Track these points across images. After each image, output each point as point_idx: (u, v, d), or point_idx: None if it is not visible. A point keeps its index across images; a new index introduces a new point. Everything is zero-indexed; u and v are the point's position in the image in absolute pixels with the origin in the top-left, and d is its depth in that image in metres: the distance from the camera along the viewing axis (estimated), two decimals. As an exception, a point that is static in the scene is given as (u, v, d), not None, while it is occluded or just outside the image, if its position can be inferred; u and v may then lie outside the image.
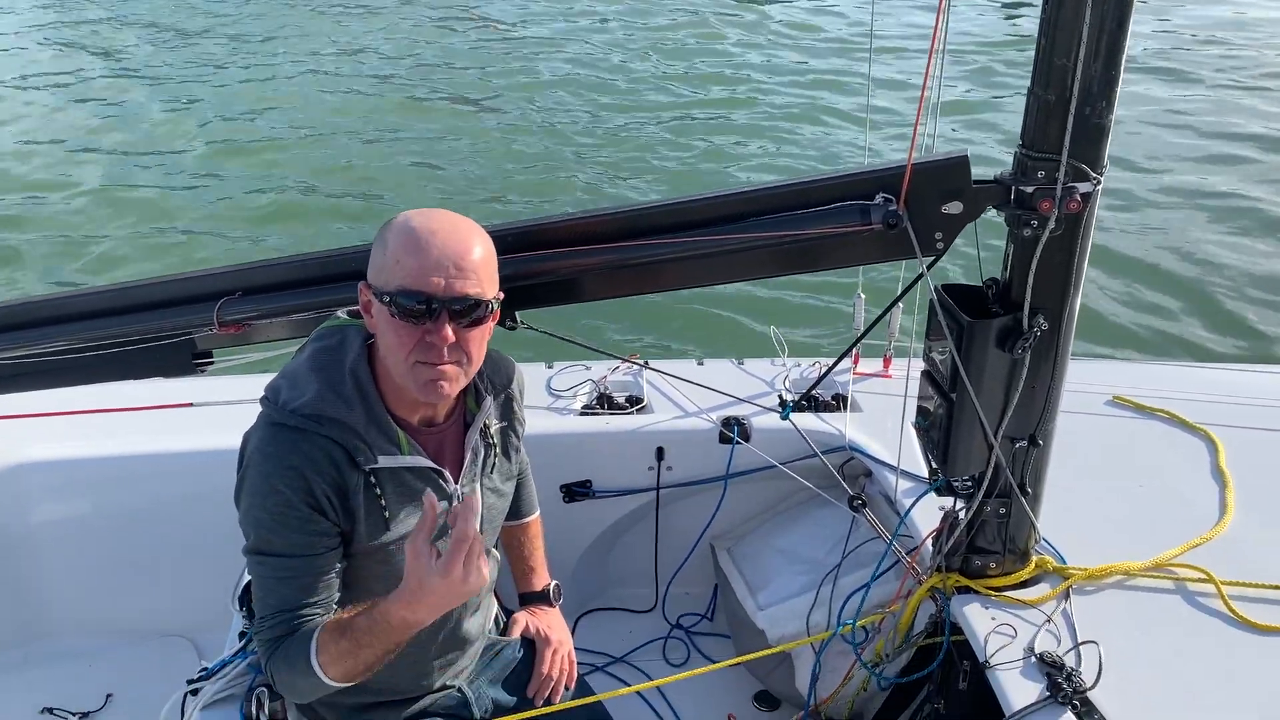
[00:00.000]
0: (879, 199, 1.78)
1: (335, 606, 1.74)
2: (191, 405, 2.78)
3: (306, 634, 1.69)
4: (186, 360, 2.26)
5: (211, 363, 2.32)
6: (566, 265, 2.00)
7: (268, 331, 2.19)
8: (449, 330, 1.65)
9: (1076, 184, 1.70)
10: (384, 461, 1.73)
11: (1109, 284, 6.01)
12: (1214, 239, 6.74)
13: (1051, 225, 1.72)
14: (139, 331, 2.20)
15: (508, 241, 1.97)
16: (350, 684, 1.69)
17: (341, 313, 1.87)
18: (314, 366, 1.75)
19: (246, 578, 2.09)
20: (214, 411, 2.73)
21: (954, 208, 1.78)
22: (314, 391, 1.70)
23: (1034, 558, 2.10)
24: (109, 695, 2.60)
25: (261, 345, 2.30)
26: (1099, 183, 1.71)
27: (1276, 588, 2.05)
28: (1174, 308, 5.94)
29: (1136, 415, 2.72)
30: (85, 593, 2.79)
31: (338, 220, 7.30)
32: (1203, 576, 2.08)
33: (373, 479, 1.73)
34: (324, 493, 1.68)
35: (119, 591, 2.78)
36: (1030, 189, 1.71)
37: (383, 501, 1.75)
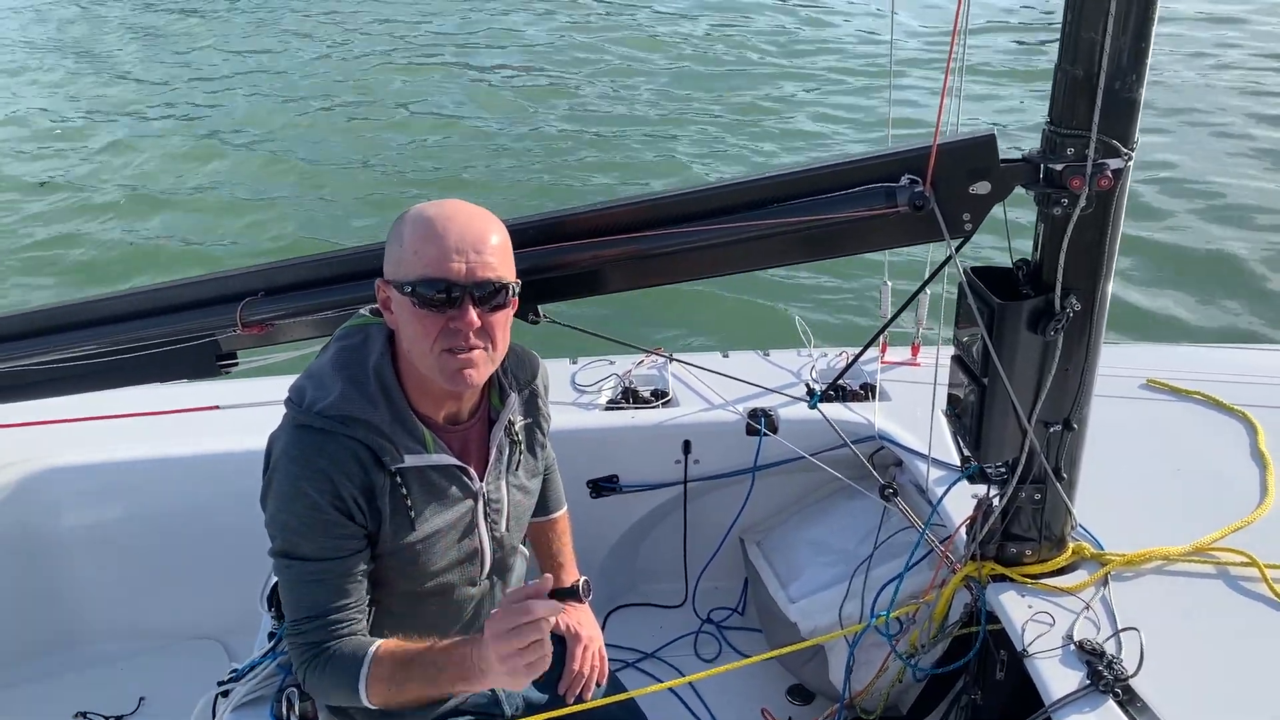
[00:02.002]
0: (905, 181, 1.75)
1: (365, 608, 1.73)
2: (218, 408, 2.79)
3: (356, 652, 1.68)
4: (211, 362, 2.27)
5: (236, 364, 2.32)
6: (588, 257, 1.98)
7: (291, 331, 2.19)
8: (474, 315, 1.64)
9: (1107, 160, 1.66)
10: (410, 461, 1.72)
11: (1135, 267, 5.93)
12: (1245, 217, 6.66)
13: (1082, 203, 1.68)
14: (163, 334, 2.21)
15: (529, 234, 1.95)
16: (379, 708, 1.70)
17: (364, 310, 1.86)
18: (337, 366, 1.74)
19: (275, 579, 2.09)
20: (240, 414, 2.74)
21: (982, 188, 1.75)
22: (339, 392, 1.69)
23: (1070, 544, 2.06)
24: (141, 699, 2.61)
25: (285, 346, 2.30)
26: (1130, 158, 1.67)
27: None
28: (1203, 289, 5.87)
29: (1172, 398, 2.67)
30: (116, 597, 2.80)
31: (356, 218, 7.33)
32: (1245, 560, 2.03)
33: (399, 479, 1.72)
34: (351, 495, 1.67)
35: (149, 595, 2.79)
36: (1059, 166, 1.68)
37: (409, 501, 1.73)
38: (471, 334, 1.65)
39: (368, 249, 2.08)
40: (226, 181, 8.04)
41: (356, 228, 7.03)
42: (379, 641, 1.71)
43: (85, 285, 6.42)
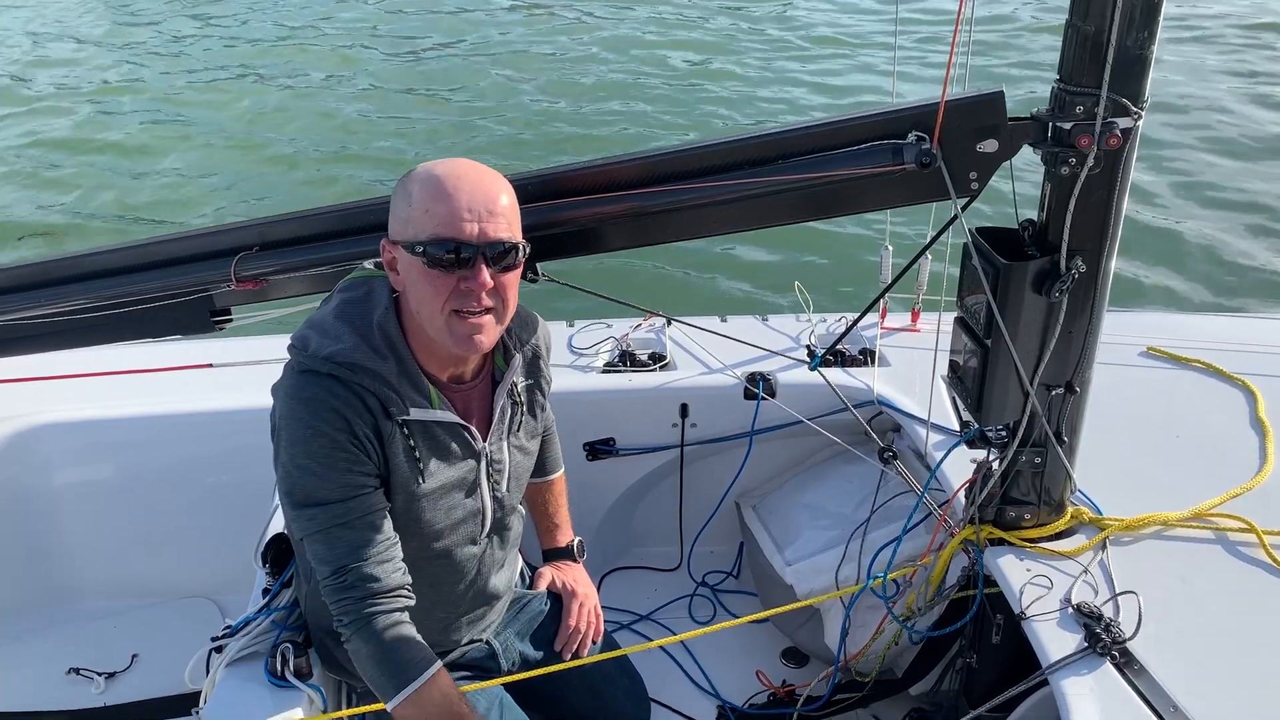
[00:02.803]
0: (912, 138, 1.73)
1: (399, 554, 1.72)
2: (211, 366, 2.76)
3: (416, 653, 1.69)
4: (205, 318, 2.24)
5: (230, 320, 2.30)
6: (590, 214, 1.95)
7: (286, 287, 2.16)
8: (487, 275, 1.63)
9: (1116, 119, 1.63)
10: (415, 414, 1.71)
11: (1135, 234, 5.93)
12: (1245, 186, 6.65)
13: (1090, 163, 1.66)
14: (156, 289, 2.18)
15: (529, 190, 1.92)
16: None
17: (368, 264, 1.84)
18: (341, 317, 1.72)
19: (270, 533, 2.08)
20: (233, 372, 2.71)
21: (989, 146, 1.72)
22: (345, 341, 1.68)
23: (1069, 508, 2.05)
24: (134, 656, 2.60)
25: (279, 303, 2.28)
26: (1140, 117, 1.65)
27: None
28: (1204, 258, 5.87)
29: (1172, 366, 2.66)
30: (108, 555, 2.78)
31: (351, 173, 7.27)
32: (1244, 526, 2.03)
33: (405, 430, 1.71)
34: (364, 433, 1.65)
35: (141, 553, 2.78)
36: (1068, 125, 1.65)
37: (417, 453, 1.72)
38: (484, 295, 1.64)
39: (365, 204, 2.05)
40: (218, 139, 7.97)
41: (348, 187, 6.99)
42: (440, 664, 1.71)
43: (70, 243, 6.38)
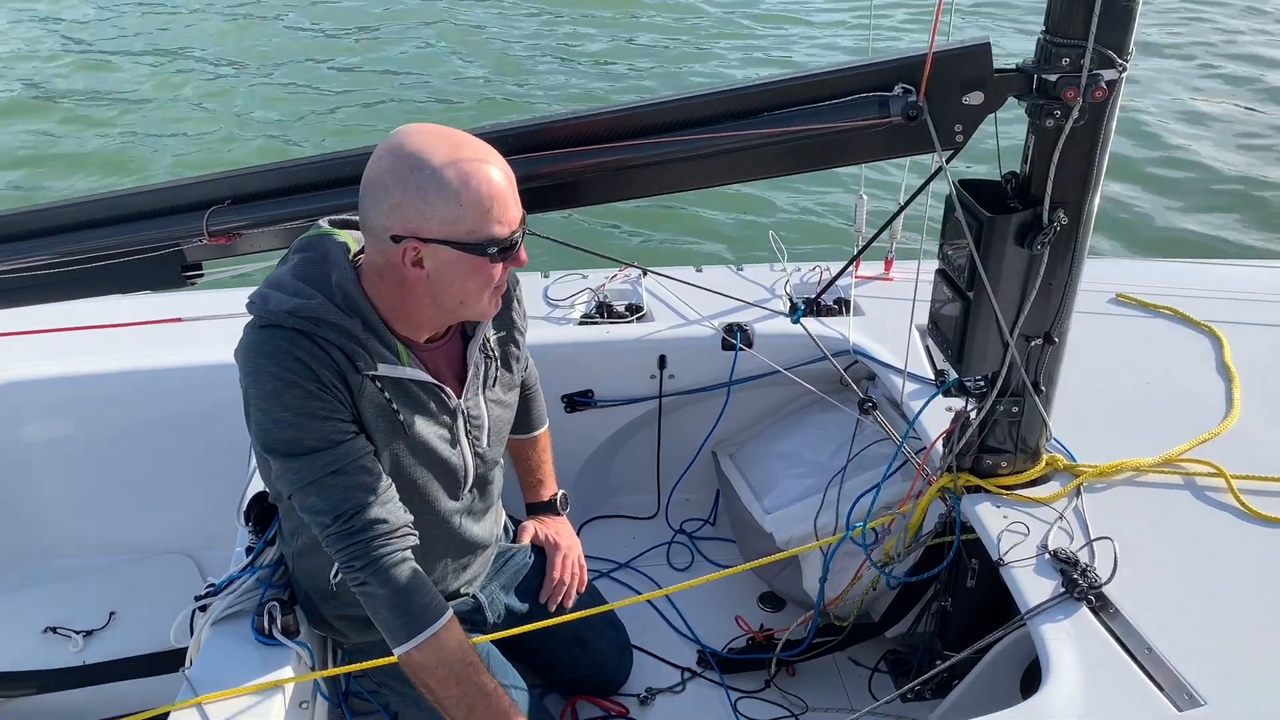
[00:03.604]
0: (898, 90, 1.72)
1: (397, 498, 1.72)
2: (180, 320, 2.72)
3: (433, 600, 1.69)
4: (175, 273, 2.20)
5: (201, 275, 2.26)
6: (571, 167, 1.93)
7: (258, 241, 2.12)
8: (524, 254, 1.68)
9: (1102, 71, 1.64)
10: (384, 370, 1.69)
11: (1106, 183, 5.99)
12: (1212, 135, 6.72)
13: (1075, 115, 1.66)
14: (126, 243, 2.13)
15: (509, 143, 1.89)
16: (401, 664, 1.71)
17: (323, 222, 1.80)
18: (300, 276, 1.69)
19: (251, 491, 2.06)
20: (203, 327, 2.67)
21: (975, 98, 1.72)
22: (306, 298, 1.65)
23: (1044, 456, 2.09)
24: (112, 613, 2.58)
25: (251, 258, 2.24)
26: (1125, 69, 1.65)
27: None
28: (1173, 205, 5.93)
29: (1141, 313, 2.71)
30: (80, 512, 2.75)
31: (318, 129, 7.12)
32: (1213, 471, 2.09)
33: (377, 383, 1.69)
34: (332, 383, 1.64)
35: (115, 510, 2.75)
36: (1054, 77, 1.65)
37: (394, 405, 1.71)
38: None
39: (339, 156, 2.01)
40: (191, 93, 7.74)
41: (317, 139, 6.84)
42: (452, 610, 1.72)
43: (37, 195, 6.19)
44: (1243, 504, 2.01)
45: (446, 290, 1.65)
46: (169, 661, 2.28)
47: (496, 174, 1.60)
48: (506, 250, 1.64)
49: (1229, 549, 1.93)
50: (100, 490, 2.73)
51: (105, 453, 2.70)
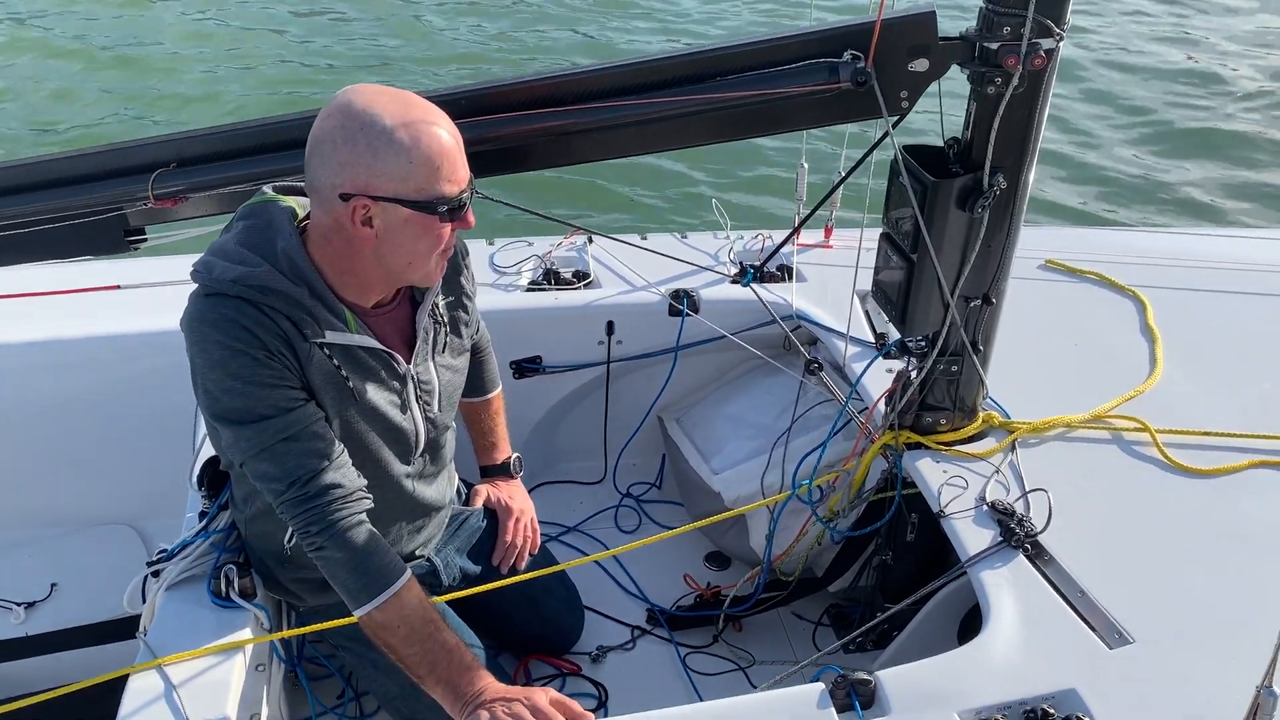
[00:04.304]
0: (847, 56, 1.77)
1: (350, 465, 1.72)
2: (119, 288, 2.67)
3: (391, 561, 1.70)
4: (119, 237, 2.16)
5: (144, 240, 2.23)
6: (518, 131, 1.94)
7: (204, 205, 2.10)
8: (473, 216, 1.69)
9: (1040, 40, 1.71)
10: (332, 337, 1.69)
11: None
12: (1137, 106, 6.94)
13: (1015, 82, 1.73)
14: (67, 207, 2.09)
15: (458, 106, 1.89)
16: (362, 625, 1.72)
17: (267, 189, 1.79)
18: (245, 244, 1.67)
19: (203, 457, 2.05)
20: (143, 294, 2.63)
21: (920, 65, 1.78)
22: (252, 265, 1.64)
23: (981, 414, 2.18)
24: (54, 584, 2.54)
25: (195, 222, 2.21)
26: (1062, 38, 1.72)
27: (1205, 434, 2.17)
28: (1098, 175, 6.13)
29: (1069, 278, 2.81)
30: (19, 484, 2.69)
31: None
32: (1138, 426, 2.19)
33: (325, 350, 1.69)
34: (280, 351, 1.63)
35: (55, 482, 2.70)
36: (995, 45, 1.72)
37: (343, 372, 1.71)
38: None
39: (287, 120, 2.00)
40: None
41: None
42: (410, 571, 1.72)
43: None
44: (1166, 456, 2.12)
45: (395, 251, 1.66)
46: (119, 630, 2.26)
47: (445, 134, 1.61)
48: (455, 210, 1.65)
49: (1154, 498, 2.04)
50: (39, 461, 2.67)
51: (43, 423, 2.65)
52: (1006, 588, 1.82)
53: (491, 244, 2.94)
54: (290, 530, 1.80)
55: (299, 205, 1.74)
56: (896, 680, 1.64)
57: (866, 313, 2.66)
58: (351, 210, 1.61)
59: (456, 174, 1.63)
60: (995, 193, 1.83)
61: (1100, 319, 2.64)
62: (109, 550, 2.64)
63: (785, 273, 2.83)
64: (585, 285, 2.75)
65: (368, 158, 1.57)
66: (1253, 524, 1.97)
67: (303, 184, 1.73)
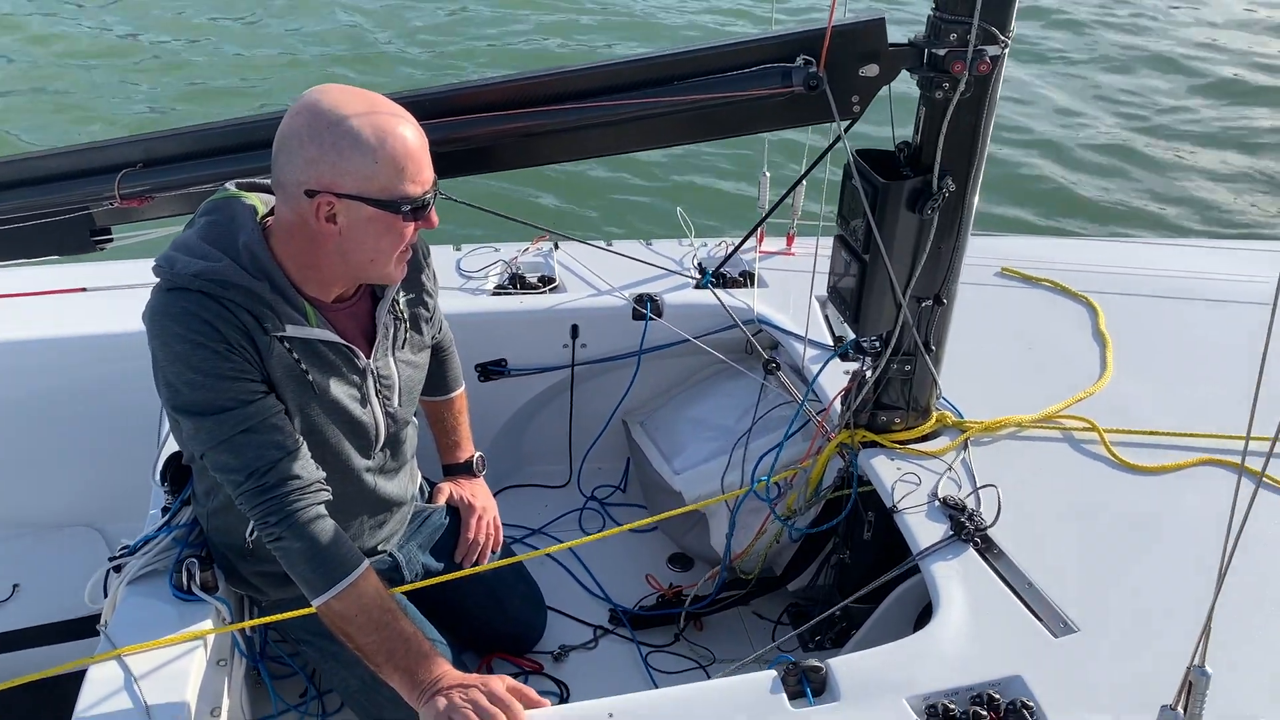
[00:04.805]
0: (799, 61, 1.82)
1: (309, 456, 1.74)
2: (85, 290, 2.68)
3: (348, 552, 1.71)
4: (85, 238, 2.18)
5: (111, 240, 2.25)
6: (482, 132, 1.98)
7: (171, 205, 2.12)
8: (436, 217, 1.73)
9: (986, 47, 1.77)
10: (292, 330, 1.72)
11: (992, 165, 6.30)
12: (1089, 119, 7.09)
13: (962, 87, 1.79)
14: (32, 206, 2.11)
15: (423, 107, 1.93)
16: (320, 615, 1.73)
17: (230, 185, 1.82)
18: (207, 239, 1.70)
19: (167, 452, 2.06)
20: (109, 296, 2.64)
21: (870, 70, 1.84)
22: (214, 260, 1.67)
23: (935, 413, 2.23)
24: (15, 585, 2.54)
25: (161, 222, 2.23)
26: (1007, 45, 1.79)
27: (1152, 433, 2.23)
28: (1052, 187, 6.29)
29: (1024, 285, 2.88)
30: None
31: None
32: (1087, 426, 2.25)
33: (286, 345, 1.72)
34: (240, 345, 1.66)
35: (16, 483, 2.69)
36: (943, 51, 1.78)
37: (303, 366, 1.74)
38: None
39: (253, 120, 2.03)
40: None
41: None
42: (368, 562, 1.74)
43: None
44: (1114, 454, 2.18)
45: (358, 248, 1.69)
46: (81, 628, 2.26)
47: (411, 134, 1.65)
48: (419, 210, 1.68)
49: (1101, 494, 2.10)
50: (2, 463, 2.67)
51: (6, 424, 2.65)
52: (956, 579, 1.86)
53: (459, 249, 2.97)
54: (252, 523, 1.82)
55: (261, 202, 1.77)
56: (847, 667, 1.68)
57: (826, 317, 2.71)
58: (316, 207, 1.64)
59: (421, 174, 1.67)
60: (944, 195, 1.88)
61: (1053, 324, 2.71)
62: (72, 551, 2.63)
63: (748, 279, 2.87)
64: (551, 290, 2.79)
65: (333, 155, 1.60)
66: (1194, 518, 2.02)
67: (266, 181, 1.77)
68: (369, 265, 1.74)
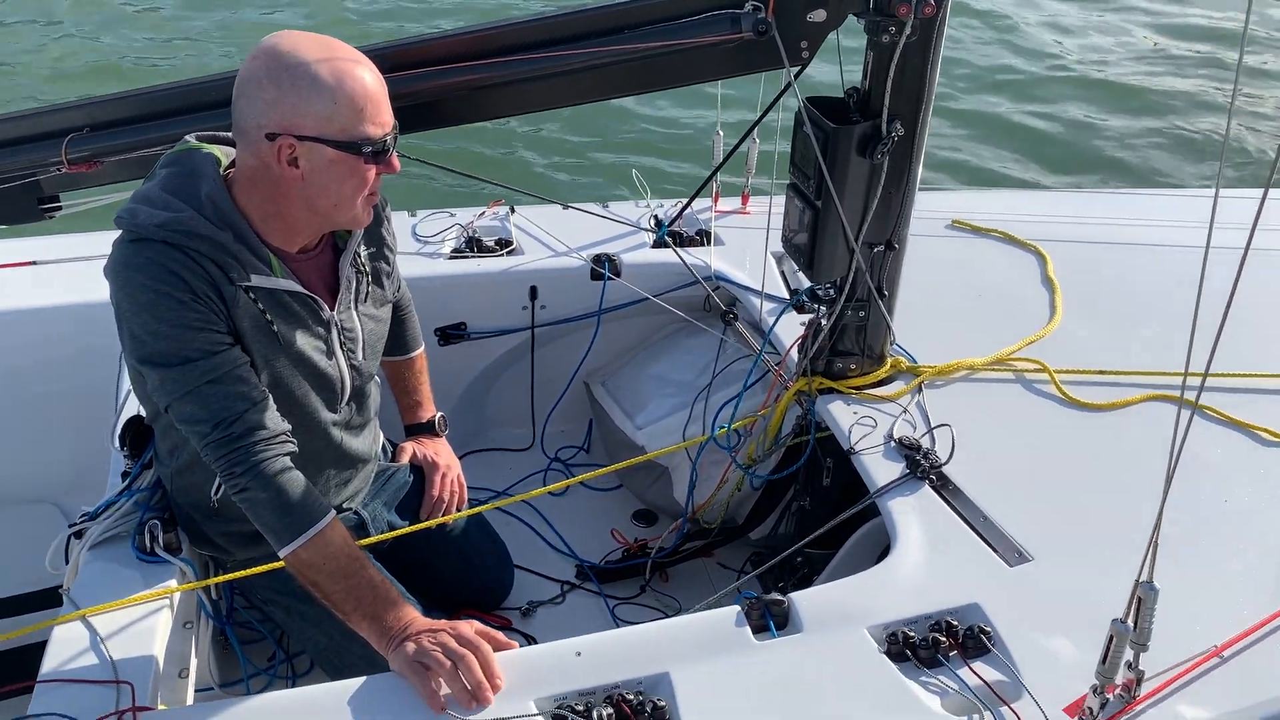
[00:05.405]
0: (748, 7, 1.84)
1: (275, 408, 1.74)
2: (35, 264, 2.65)
3: (315, 501, 1.71)
4: (32, 205, 2.16)
5: (59, 208, 2.22)
6: (432, 86, 1.98)
7: (123, 170, 2.09)
8: (397, 161, 1.72)
9: (930, -10, 1.80)
10: (257, 281, 1.72)
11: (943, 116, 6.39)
12: (1032, 74, 7.19)
13: (908, 30, 1.82)
14: None
15: (375, 63, 1.93)
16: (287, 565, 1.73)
17: (190, 138, 1.81)
18: (169, 190, 1.69)
19: (125, 416, 2.05)
20: (59, 269, 2.62)
21: (818, 15, 1.86)
22: (176, 210, 1.66)
23: (889, 359, 2.28)
24: None
25: (114, 188, 2.21)
26: (951, -12, 1.82)
27: (1100, 372, 2.30)
28: (1000, 142, 6.38)
29: (974, 236, 2.94)
30: None
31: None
32: (1038, 367, 2.31)
33: (252, 295, 1.72)
34: (207, 295, 1.65)
35: None
36: (888, -6, 1.80)
37: (268, 316, 1.74)
38: None
39: (205, 80, 2.01)
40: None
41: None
42: (334, 512, 1.74)
43: None
44: (1063, 393, 2.24)
45: (321, 192, 1.69)
46: (43, 600, 2.25)
47: (369, 76, 1.66)
48: (380, 154, 1.69)
49: (1051, 430, 2.16)
50: None
51: None
52: (913, 514, 1.91)
53: (414, 215, 2.96)
54: (218, 481, 1.82)
55: (223, 153, 1.76)
56: (808, 601, 1.72)
57: (782, 272, 2.74)
58: (277, 150, 1.64)
59: (380, 116, 1.67)
60: (894, 139, 1.92)
61: (1003, 272, 2.76)
62: (31, 526, 2.60)
63: (704, 237, 2.90)
64: (508, 252, 2.79)
65: (292, 97, 1.61)
66: (1141, 450, 2.08)
67: (227, 134, 1.76)
68: (334, 210, 1.73)
